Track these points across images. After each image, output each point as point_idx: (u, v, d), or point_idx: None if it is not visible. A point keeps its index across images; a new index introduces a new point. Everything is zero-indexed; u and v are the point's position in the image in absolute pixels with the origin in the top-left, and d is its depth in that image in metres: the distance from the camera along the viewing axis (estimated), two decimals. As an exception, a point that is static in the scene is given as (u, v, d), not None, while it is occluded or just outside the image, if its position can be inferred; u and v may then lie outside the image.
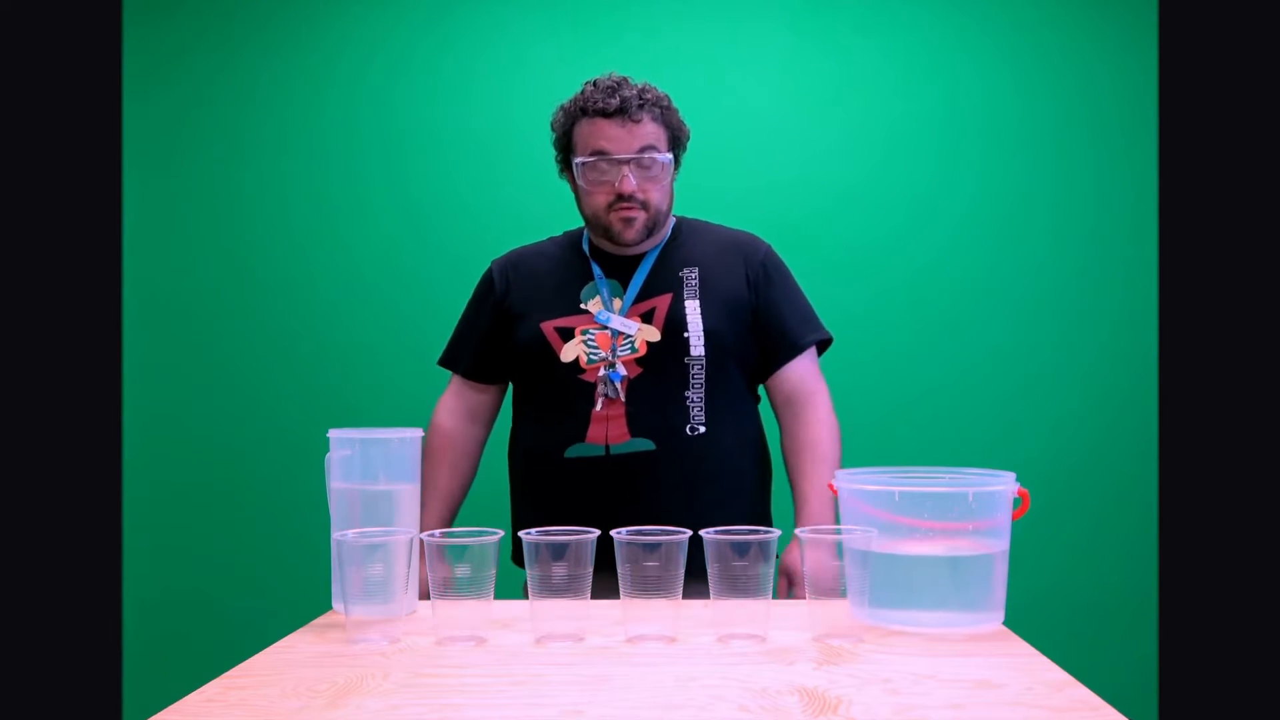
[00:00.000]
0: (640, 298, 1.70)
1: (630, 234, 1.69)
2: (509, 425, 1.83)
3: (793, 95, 2.56)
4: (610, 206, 1.68)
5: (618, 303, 1.70)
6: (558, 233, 1.88)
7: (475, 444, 1.84)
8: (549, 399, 1.69)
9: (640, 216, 1.68)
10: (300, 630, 1.24)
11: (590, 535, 1.15)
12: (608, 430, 1.63)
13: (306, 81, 2.61)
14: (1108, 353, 2.53)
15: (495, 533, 1.15)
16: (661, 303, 1.70)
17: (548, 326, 1.69)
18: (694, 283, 1.71)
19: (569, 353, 1.67)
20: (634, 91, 1.67)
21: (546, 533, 1.16)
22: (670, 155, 1.70)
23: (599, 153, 1.66)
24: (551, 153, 1.78)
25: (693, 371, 1.66)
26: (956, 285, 2.54)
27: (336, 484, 1.28)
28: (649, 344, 1.66)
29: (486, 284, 1.82)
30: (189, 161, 2.61)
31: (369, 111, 2.60)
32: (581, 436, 1.63)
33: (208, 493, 2.57)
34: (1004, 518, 1.22)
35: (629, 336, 1.66)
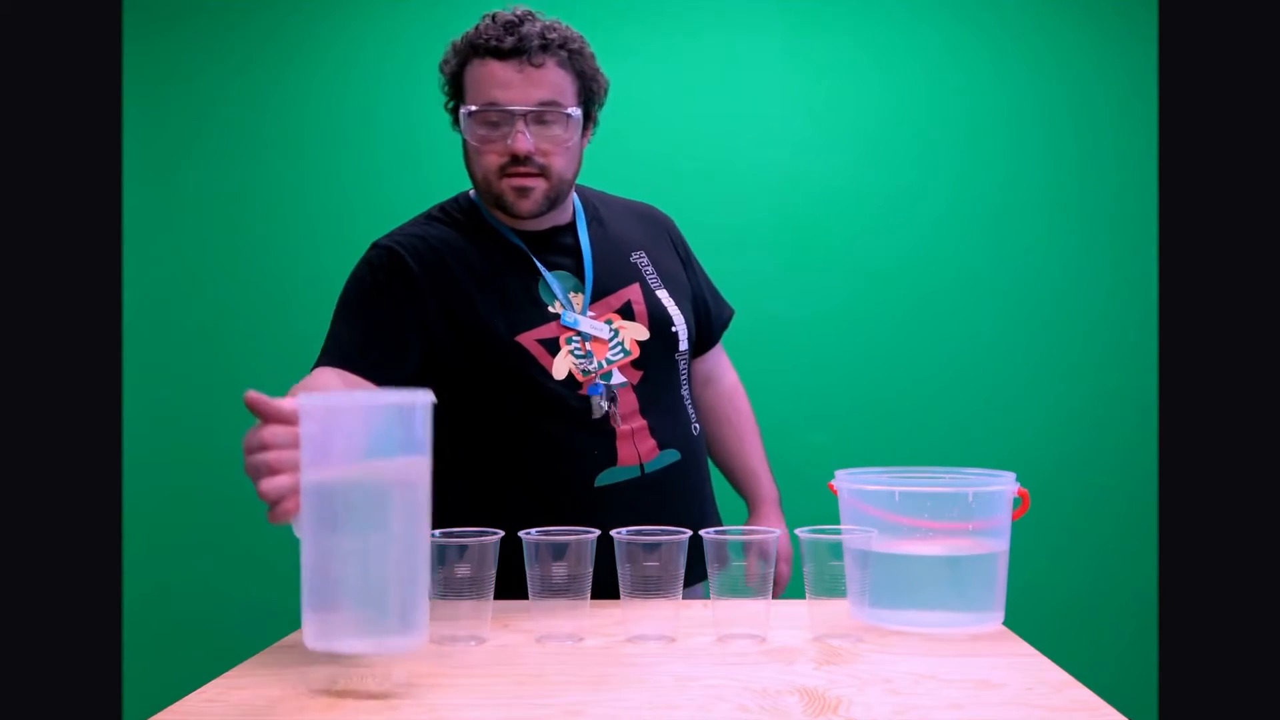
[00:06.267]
0: (599, 290, 1.46)
1: (525, 205, 1.39)
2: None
3: (783, 92, 2.56)
4: (502, 170, 1.38)
5: (576, 298, 1.44)
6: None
7: None
8: (542, 426, 1.40)
9: (539, 185, 1.38)
10: (300, 630, 1.23)
11: (590, 535, 1.15)
12: (637, 447, 1.41)
13: (309, 81, 2.61)
14: (1106, 349, 2.53)
15: (495, 533, 1.16)
16: (633, 294, 1.47)
17: (527, 339, 1.39)
18: (650, 268, 1.51)
19: (560, 368, 1.39)
20: (536, 28, 1.35)
21: (546, 533, 1.16)
22: (579, 109, 1.39)
23: (490, 103, 1.36)
24: None
25: (680, 367, 1.51)
26: (950, 282, 2.54)
27: (336, 484, 1.28)
28: (639, 343, 1.44)
29: (395, 270, 1.41)
30: (190, 161, 2.61)
31: (375, 110, 2.60)
32: (610, 460, 1.40)
33: (208, 493, 2.57)
34: (1004, 518, 1.22)
35: (616, 339, 1.43)
